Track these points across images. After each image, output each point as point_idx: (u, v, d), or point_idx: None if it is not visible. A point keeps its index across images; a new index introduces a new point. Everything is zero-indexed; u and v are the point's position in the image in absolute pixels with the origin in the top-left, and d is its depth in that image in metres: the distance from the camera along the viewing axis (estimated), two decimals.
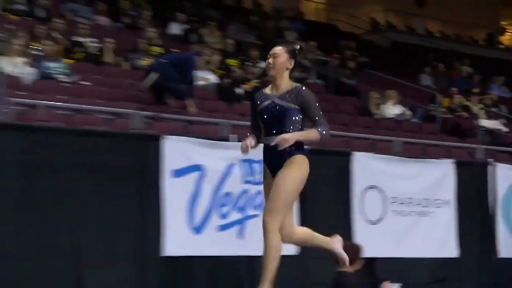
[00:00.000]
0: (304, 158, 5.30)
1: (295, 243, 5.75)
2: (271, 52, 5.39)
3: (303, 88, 5.35)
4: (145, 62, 12.25)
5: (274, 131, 5.28)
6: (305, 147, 5.33)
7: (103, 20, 14.03)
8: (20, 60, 10.07)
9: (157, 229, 6.92)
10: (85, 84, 10.74)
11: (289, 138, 5.16)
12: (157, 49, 12.78)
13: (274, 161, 5.28)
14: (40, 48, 10.87)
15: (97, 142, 6.95)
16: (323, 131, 5.26)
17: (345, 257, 5.74)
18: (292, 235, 5.43)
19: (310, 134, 5.29)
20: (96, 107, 9.38)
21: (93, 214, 6.67)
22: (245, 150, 5.29)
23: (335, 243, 5.70)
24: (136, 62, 12.27)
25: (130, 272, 6.86)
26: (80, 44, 11.94)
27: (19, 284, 6.39)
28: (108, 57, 12.01)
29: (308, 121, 5.31)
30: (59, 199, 6.60)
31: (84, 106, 9.28)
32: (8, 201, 6.42)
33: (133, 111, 9.24)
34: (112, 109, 9.27)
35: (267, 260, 5.16)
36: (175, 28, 14.97)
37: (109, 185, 6.82)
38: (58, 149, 6.69)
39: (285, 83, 5.37)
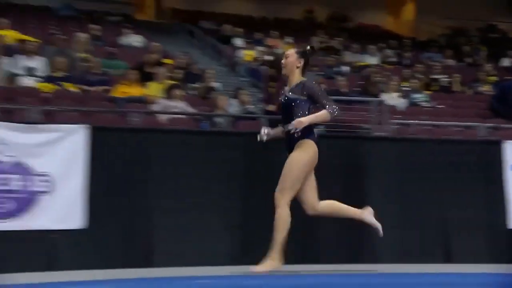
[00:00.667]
0: (310, 142, 4.49)
1: (321, 214, 4.67)
2: (284, 54, 4.68)
3: (307, 81, 4.59)
4: (484, 88, 11.64)
5: (288, 120, 4.52)
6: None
7: (451, 62, 13.79)
8: (395, 94, 10.29)
9: (503, 208, 6.46)
10: (441, 107, 10.54)
11: (303, 120, 4.43)
12: (492, 78, 12.09)
13: (289, 145, 4.53)
14: (408, 85, 10.99)
15: (454, 147, 6.77)
16: (331, 110, 4.48)
17: (377, 224, 4.67)
18: (316, 207, 4.59)
19: (321, 116, 4.49)
20: (451, 123, 9.09)
21: (455, 196, 6.45)
22: (261, 138, 4.53)
23: (366, 213, 4.70)
24: (478, 89, 11.74)
25: (483, 239, 6.51)
26: (435, 80, 11.82)
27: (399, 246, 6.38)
28: (456, 87, 11.66)
29: (319, 107, 4.53)
30: (429, 188, 6.42)
31: (441, 123, 9.06)
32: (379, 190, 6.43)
33: (479, 124, 8.77)
34: (463, 123, 8.94)
35: (276, 231, 4.38)
36: (506, 62, 14.05)
37: (462, 177, 6.51)
38: (423, 151, 6.54)
39: (296, 79, 4.59)
